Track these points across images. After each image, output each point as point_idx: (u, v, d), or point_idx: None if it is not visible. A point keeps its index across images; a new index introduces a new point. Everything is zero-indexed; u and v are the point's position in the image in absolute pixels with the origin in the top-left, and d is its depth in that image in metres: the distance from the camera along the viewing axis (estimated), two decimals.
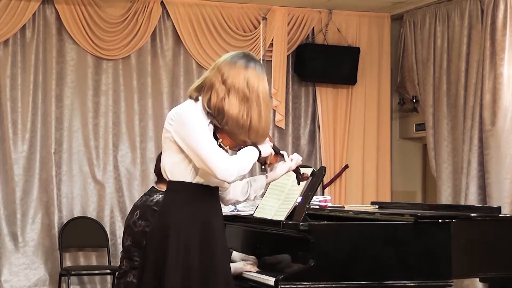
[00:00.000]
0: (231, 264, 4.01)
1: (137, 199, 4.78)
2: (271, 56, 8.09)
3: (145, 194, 4.62)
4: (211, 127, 3.34)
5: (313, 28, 8.29)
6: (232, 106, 3.29)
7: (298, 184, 3.82)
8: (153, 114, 7.77)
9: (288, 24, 8.15)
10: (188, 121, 3.29)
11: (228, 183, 3.38)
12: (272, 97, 8.13)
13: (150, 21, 7.72)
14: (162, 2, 7.78)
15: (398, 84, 8.55)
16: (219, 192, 3.52)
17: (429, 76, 7.87)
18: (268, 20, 8.08)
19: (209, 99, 3.31)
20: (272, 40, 8.07)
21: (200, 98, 3.35)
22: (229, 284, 3.39)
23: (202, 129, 3.28)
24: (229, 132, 3.34)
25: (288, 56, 8.20)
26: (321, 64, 8.11)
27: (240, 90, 3.31)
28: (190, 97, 3.38)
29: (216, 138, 3.34)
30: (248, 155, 3.35)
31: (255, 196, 3.68)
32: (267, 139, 3.47)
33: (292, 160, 3.67)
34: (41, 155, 7.49)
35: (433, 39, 7.83)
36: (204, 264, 3.31)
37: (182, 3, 7.84)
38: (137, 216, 4.46)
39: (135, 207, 4.58)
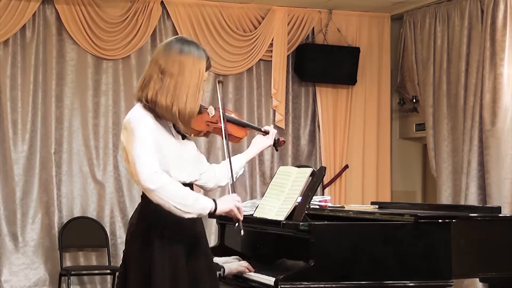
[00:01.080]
0: (226, 265, 4.03)
1: (139, 199, 4.77)
2: (271, 56, 8.09)
3: None
4: (160, 124, 3.26)
5: (313, 28, 8.29)
6: (165, 95, 3.21)
7: (277, 150, 3.84)
8: None
9: (288, 24, 8.15)
10: (132, 131, 3.21)
11: (145, 189, 3.17)
12: (272, 97, 8.14)
13: (150, 21, 7.72)
14: (162, 2, 7.78)
15: (398, 84, 8.55)
16: (200, 183, 3.49)
17: (429, 76, 7.88)
18: (268, 20, 8.08)
19: (147, 93, 3.24)
20: (272, 40, 8.07)
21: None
22: (215, 283, 3.40)
23: (142, 138, 3.18)
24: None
25: (288, 56, 8.20)
26: (321, 64, 8.11)
27: (174, 77, 3.22)
28: (138, 100, 3.30)
29: (178, 129, 3.31)
30: (194, 196, 3.20)
31: (236, 177, 3.60)
32: (234, 197, 3.32)
33: (266, 133, 3.66)
34: (41, 155, 7.49)
35: (433, 39, 7.83)
36: (191, 264, 3.30)
37: (182, 3, 7.84)
38: (137, 213, 4.45)
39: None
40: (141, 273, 3.28)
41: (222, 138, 3.47)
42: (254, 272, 4.04)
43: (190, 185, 3.37)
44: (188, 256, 3.32)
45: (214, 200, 3.26)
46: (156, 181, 3.14)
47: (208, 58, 3.34)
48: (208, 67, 3.34)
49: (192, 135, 3.42)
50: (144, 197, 3.30)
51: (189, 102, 3.24)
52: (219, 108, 3.48)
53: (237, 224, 3.35)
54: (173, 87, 3.23)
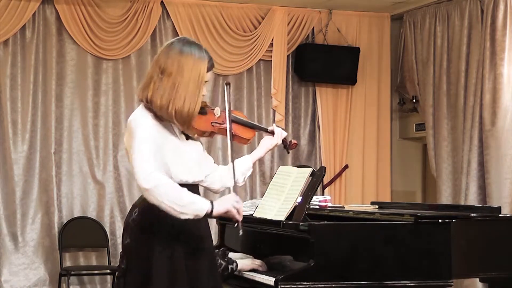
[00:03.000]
0: (239, 261, 4.03)
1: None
2: (271, 56, 8.09)
3: None
4: (161, 126, 3.27)
5: (313, 28, 8.29)
6: (163, 95, 3.22)
7: (288, 153, 3.82)
8: None
9: (288, 24, 8.15)
10: (133, 131, 3.23)
11: (142, 188, 3.20)
12: (272, 97, 8.14)
13: (150, 21, 7.72)
14: (162, 2, 7.78)
15: (398, 84, 8.55)
16: (206, 185, 3.49)
17: (429, 76, 7.87)
18: (268, 20, 8.08)
19: (147, 94, 3.26)
20: (272, 40, 8.08)
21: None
22: (216, 284, 3.39)
23: (144, 139, 3.19)
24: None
25: (288, 56, 8.20)
26: (321, 64, 8.11)
27: (172, 77, 3.23)
28: (141, 100, 3.32)
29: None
30: (192, 197, 3.18)
31: (244, 178, 3.61)
32: (233, 197, 3.30)
33: (274, 133, 3.64)
34: (41, 155, 7.49)
35: (433, 39, 7.83)
36: (191, 263, 3.30)
37: (182, 3, 7.84)
38: (136, 213, 4.46)
39: (134, 206, 4.58)
40: (140, 273, 3.28)
41: (228, 139, 3.45)
42: (254, 272, 4.04)
43: (194, 186, 3.36)
44: (188, 258, 3.31)
45: (211, 202, 3.24)
46: (152, 181, 3.13)
47: (210, 59, 3.33)
48: (210, 68, 3.33)
49: (196, 135, 3.41)
50: (143, 200, 3.30)
51: (188, 102, 3.23)
52: (225, 109, 3.47)
53: (236, 225, 3.33)
54: (170, 87, 3.23)
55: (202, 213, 3.20)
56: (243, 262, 4.07)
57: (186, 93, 3.23)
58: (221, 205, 3.26)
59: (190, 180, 3.35)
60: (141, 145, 3.19)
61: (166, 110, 3.22)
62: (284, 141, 3.73)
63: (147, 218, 3.32)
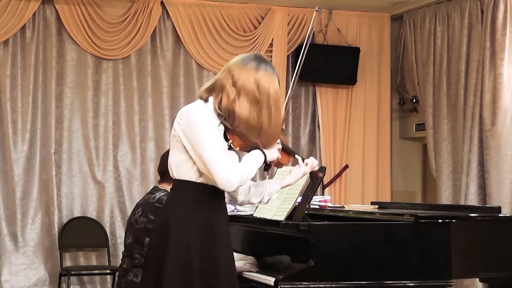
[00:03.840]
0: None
1: (139, 199, 4.79)
2: (271, 56, 8.09)
3: (147, 193, 4.64)
4: (222, 127, 3.33)
5: (313, 28, 8.28)
6: (243, 108, 3.28)
7: (311, 180, 3.83)
8: (153, 114, 7.76)
9: (288, 24, 8.15)
10: (196, 122, 3.28)
11: (228, 192, 3.37)
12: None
13: (150, 21, 7.72)
14: (162, 2, 7.78)
15: (398, 84, 8.55)
16: (232, 192, 3.51)
17: (429, 76, 7.87)
18: (268, 20, 8.08)
19: (220, 101, 3.31)
20: (272, 40, 8.07)
21: (210, 99, 3.34)
22: (233, 285, 3.38)
23: (210, 132, 3.27)
24: (240, 133, 3.33)
25: (288, 56, 8.20)
26: (321, 64, 8.11)
27: (250, 92, 3.29)
28: (200, 98, 3.37)
29: (227, 139, 3.33)
30: (252, 161, 3.35)
31: (269, 199, 3.66)
32: (278, 141, 3.45)
33: (307, 164, 3.66)
34: (41, 155, 7.49)
35: (433, 39, 7.83)
36: (206, 264, 3.29)
37: (182, 3, 7.84)
38: (139, 213, 4.47)
39: (137, 206, 4.59)
40: (157, 263, 3.34)
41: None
42: (254, 272, 4.04)
43: (220, 189, 3.36)
44: (204, 255, 3.31)
45: (263, 151, 3.39)
46: (233, 182, 3.27)
47: (278, 79, 3.42)
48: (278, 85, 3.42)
49: (238, 148, 3.41)
50: (170, 193, 3.42)
51: (273, 122, 3.33)
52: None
53: (265, 167, 3.47)
54: (250, 102, 3.29)
55: (261, 165, 3.40)
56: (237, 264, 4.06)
57: (269, 112, 3.32)
58: (272, 154, 3.42)
59: None
60: (212, 141, 3.25)
61: (247, 123, 3.29)
62: (312, 172, 3.71)
63: (165, 216, 3.38)
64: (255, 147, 3.43)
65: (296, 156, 3.65)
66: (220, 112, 3.31)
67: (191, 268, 3.28)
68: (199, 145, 3.25)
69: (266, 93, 3.32)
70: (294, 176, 3.67)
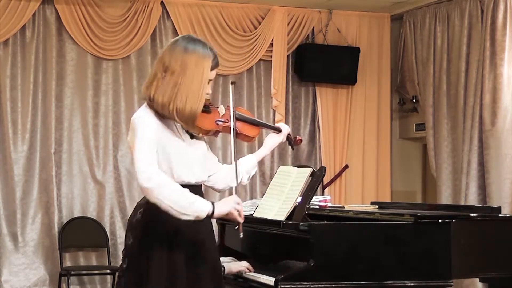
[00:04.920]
0: (226, 263, 4.03)
1: (139, 199, 4.77)
2: (271, 56, 8.09)
3: None
4: (163, 124, 3.25)
5: (313, 28, 8.29)
6: (165, 93, 3.20)
7: (293, 149, 3.81)
8: None
9: (288, 24, 8.15)
10: (135, 130, 3.21)
11: (142, 187, 3.15)
12: (272, 97, 8.14)
13: (150, 21, 7.72)
14: (162, 2, 7.78)
15: (398, 84, 8.55)
16: (209, 184, 3.47)
17: (429, 76, 7.87)
18: (268, 20, 8.08)
19: (151, 92, 3.24)
20: (272, 40, 8.07)
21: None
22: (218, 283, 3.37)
23: (144, 139, 3.17)
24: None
25: (288, 56, 8.20)
26: (321, 64, 8.11)
27: (175, 75, 3.21)
28: (144, 98, 3.31)
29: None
30: (188, 196, 3.15)
31: (249, 177, 3.59)
32: (235, 199, 3.27)
33: (280, 132, 3.63)
34: (41, 155, 7.49)
35: (433, 39, 7.83)
36: (190, 264, 3.28)
37: (182, 3, 7.84)
38: (141, 214, 4.46)
39: (139, 205, 4.57)
40: (138, 273, 3.28)
41: (232, 137, 3.43)
42: (254, 272, 4.04)
43: (196, 187, 3.34)
44: (188, 263, 3.29)
45: (213, 203, 3.22)
46: (153, 181, 3.11)
47: (215, 57, 3.30)
48: (214, 67, 3.30)
49: (201, 134, 3.38)
50: (147, 201, 3.27)
51: (190, 101, 3.21)
52: (230, 107, 3.43)
53: (236, 227, 3.32)
54: (173, 85, 3.20)
55: (203, 215, 3.18)
56: (229, 265, 4.06)
57: (188, 91, 3.21)
58: (222, 207, 3.24)
59: (193, 181, 3.33)
60: (143, 145, 3.17)
61: (168, 109, 3.20)
62: (288, 137, 3.70)
63: (150, 219, 3.31)
64: (216, 133, 3.38)
65: (266, 124, 3.63)
66: (151, 104, 3.23)
67: (176, 272, 3.25)
68: (135, 148, 3.18)
69: (190, 75, 3.20)
70: (269, 145, 3.62)
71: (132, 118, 3.27)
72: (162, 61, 3.25)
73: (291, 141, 3.75)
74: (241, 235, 3.31)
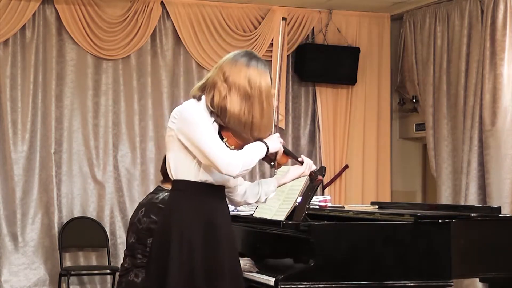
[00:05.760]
0: None
1: (142, 198, 4.78)
2: (271, 56, 8.09)
3: (150, 193, 4.64)
4: (216, 125, 3.35)
5: (313, 28, 8.29)
6: (234, 104, 3.29)
7: (311, 183, 3.84)
8: (153, 114, 7.76)
9: (288, 24, 8.14)
10: (190, 118, 3.30)
11: (233, 177, 3.36)
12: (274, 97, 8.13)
13: (150, 21, 7.72)
14: (162, 2, 7.78)
15: (398, 84, 8.55)
16: (229, 193, 3.51)
17: (429, 76, 7.87)
18: (268, 20, 8.08)
19: (212, 98, 3.33)
20: (272, 40, 8.07)
21: (203, 97, 3.36)
22: (237, 284, 3.37)
23: (205, 125, 3.29)
24: (233, 130, 3.34)
25: (288, 56, 8.20)
26: (321, 64, 8.11)
27: (241, 88, 3.31)
28: (193, 97, 3.39)
29: (222, 138, 3.35)
30: (254, 149, 3.35)
31: (266, 199, 3.67)
32: (277, 135, 3.47)
33: (303, 164, 3.66)
34: (41, 155, 7.49)
35: (433, 39, 7.83)
36: (209, 262, 3.29)
37: (182, 3, 7.84)
38: (142, 213, 4.47)
39: (141, 205, 4.59)
40: (159, 263, 3.34)
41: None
42: (254, 272, 4.04)
43: (219, 188, 3.38)
44: (206, 249, 3.31)
45: (265, 143, 3.37)
46: (235, 165, 3.25)
47: (270, 75, 3.42)
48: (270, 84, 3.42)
49: (233, 146, 3.40)
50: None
51: (265, 117, 3.35)
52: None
53: (272, 163, 3.47)
54: (242, 97, 3.30)
55: (263, 155, 3.38)
56: None
57: (261, 107, 3.33)
58: (274, 144, 3.42)
59: (221, 182, 3.39)
60: (206, 132, 3.27)
61: (239, 119, 3.30)
62: (311, 174, 3.72)
63: (166, 217, 3.39)
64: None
65: (294, 154, 3.64)
66: (212, 109, 3.33)
67: (194, 268, 3.27)
68: (196, 138, 3.27)
69: (257, 88, 3.33)
70: (291, 175, 3.67)
71: (182, 109, 3.35)
72: (222, 70, 3.35)
73: (313, 178, 3.76)
74: (276, 172, 3.53)
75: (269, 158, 3.46)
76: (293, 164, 3.68)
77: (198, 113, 3.31)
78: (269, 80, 3.41)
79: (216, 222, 3.33)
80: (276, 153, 3.45)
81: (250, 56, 3.40)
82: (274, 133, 3.53)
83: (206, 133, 3.27)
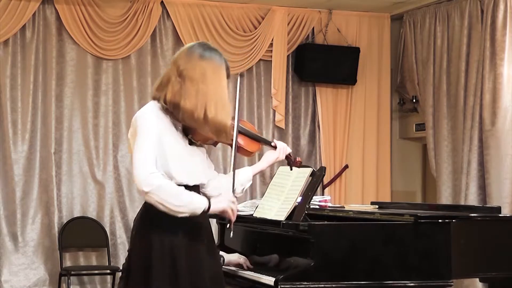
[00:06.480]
0: (226, 255, 4.03)
1: (139, 199, 4.77)
2: (271, 56, 8.09)
3: None
4: (179, 124, 3.26)
5: (313, 28, 8.29)
6: (187, 99, 3.19)
7: (291, 169, 3.82)
8: None
9: (288, 24, 8.15)
10: (139, 127, 3.21)
11: (140, 190, 3.15)
12: (272, 97, 8.14)
13: (150, 21, 7.72)
14: (162, 2, 7.78)
15: (398, 84, 8.55)
16: (204, 191, 3.46)
17: (429, 76, 7.88)
18: (268, 20, 8.08)
19: (165, 94, 3.23)
20: (272, 40, 8.08)
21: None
22: (217, 283, 3.35)
23: (147, 136, 3.17)
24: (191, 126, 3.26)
25: (288, 56, 8.20)
26: (321, 64, 8.11)
27: (195, 82, 3.20)
28: (154, 98, 3.29)
29: (187, 134, 3.29)
30: (190, 196, 3.18)
31: (243, 189, 3.59)
32: (231, 196, 3.32)
33: (277, 149, 3.64)
34: (41, 155, 7.49)
35: (433, 39, 7.83)
36: (191, 264, 3.27)
37: (182, 3, 7.84)
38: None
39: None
40: (142, 267, 3.27)
41: (231, 149, 3.42)
42: (254, 271, 4.04)
43: (194, 188, 3.32)
44: (188, 248, 3.28)
45: (209, 199, 3.24)
46: (150, 184, 3.11)
47: (227, 67, 3.33)
48: (228, 76, 3.32)
49: (199, 142, 3.37)
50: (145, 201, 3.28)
51: (220, 110, 3.21)
52: (233, 120, 3.41)
53: (228, 225, 3.36)
54: (195, 92, 3.20)
55: (199, 211, 3.21)
56: (229, 257, 4.12)
57: (216, 100, 3.21)
58: (218, 204, 3.28)
59: (191, 182, 3.32)
60: (143, 145, 3.16)
61: (193, 116, 3.19)
62: (288, 157, 3.71)
63: (148, 214, 3.30)
64: (215, 142, 3.38)
65: (265, 140, 3.62)
66: (166, 106, 3.22)
67: (178, 273, 3.24)
68: (135, 146, 3.18)
69: (211, 83, 3.22)
70: (265, 160, 3.63)
71: (136, 115, 3.27)
72: (176, 65, 3.25)
73: (291, 161, 3.76)
74: (232, 234, 3.36)
75: (244, 150, 3.38)
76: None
77: (148, 122, 3.20)
78: (224, 73, 3.29)
79: (194, 222, 3.26)
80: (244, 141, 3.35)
81: (204, 47, 3.29)
82: (236, 127, 3.39)
83: (143, 145, 3.15)
